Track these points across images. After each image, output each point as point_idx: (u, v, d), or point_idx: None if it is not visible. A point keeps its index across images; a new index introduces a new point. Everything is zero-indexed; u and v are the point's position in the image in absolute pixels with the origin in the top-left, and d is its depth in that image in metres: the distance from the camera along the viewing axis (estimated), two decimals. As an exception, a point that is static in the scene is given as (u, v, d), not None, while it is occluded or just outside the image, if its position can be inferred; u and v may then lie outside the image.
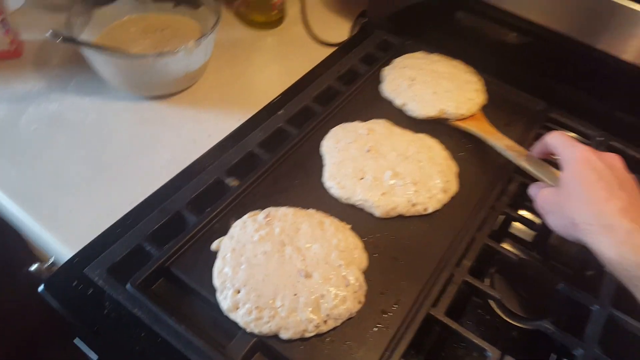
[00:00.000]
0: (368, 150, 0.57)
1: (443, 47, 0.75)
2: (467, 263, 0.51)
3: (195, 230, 0.50)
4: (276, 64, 0.81)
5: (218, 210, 0.52)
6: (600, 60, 0.63)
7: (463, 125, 0.63)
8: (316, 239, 0.49)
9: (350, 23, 0.90)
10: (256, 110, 0.69)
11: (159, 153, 0.65)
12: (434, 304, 0.47)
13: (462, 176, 0.58)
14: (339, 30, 0.88)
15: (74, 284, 0.48)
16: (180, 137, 0.68)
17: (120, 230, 0.52)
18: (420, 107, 0.64)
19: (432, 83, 0.66)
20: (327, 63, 0.77)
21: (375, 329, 0.45)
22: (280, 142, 0.61)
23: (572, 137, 0.49)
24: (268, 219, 0.50)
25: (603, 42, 0.62)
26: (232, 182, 0.56)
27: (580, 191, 0.43)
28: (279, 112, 0.64)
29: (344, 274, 0.47)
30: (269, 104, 0.70)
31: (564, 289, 0.50)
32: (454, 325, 0.46)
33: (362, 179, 0.55)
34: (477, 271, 0.52)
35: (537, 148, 0.53)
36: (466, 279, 0.50)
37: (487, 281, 0.53)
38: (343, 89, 0.69)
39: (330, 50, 0.82)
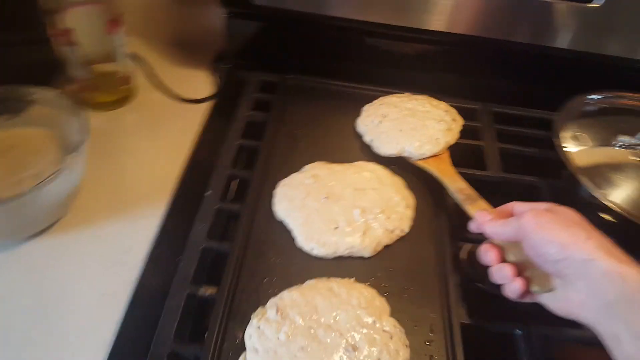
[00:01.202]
0: (326, 197, 0.58)
1: (326, 74, 0.78)
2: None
3: (208, 362, 0.45)
4: (153, 140, 0.74)
5: (216, 330, 0.47)
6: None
7: (422, 164, 0.65)
8: (337, 307, 0.48)
9: (204, 71, 0.87)
10: (164, 201, 0.63)
11: (80, 299, 0.54)
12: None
13: (410, 186, 0.63)
14: (198, 82, 0.85)
15: None
16: (93, 267, 0.57)
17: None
18: (383, 145, 0.66)
19: (400, 121, 0.68)
20: (214, 122, 0.74)
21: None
22: (228, 225, 0.58)
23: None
24: (280, 312, 0.47)
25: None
26: (206, 291, 0.51)
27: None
28: (207, 193, 0.60)
29: (384, 328, 0.47)
30: (180, 188, 0.65)
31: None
32: (483, 322, 0.51)
33: (336, 228, 0.55)
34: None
35: (500, 209, 0.52)
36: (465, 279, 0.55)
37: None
38: (255, 144, 0.67)
39: (202, 105, 0.79)
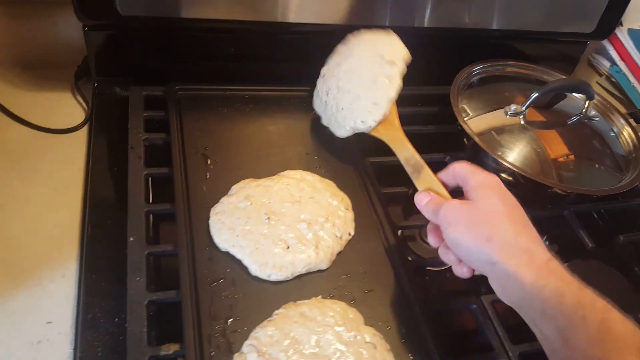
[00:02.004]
0: (268, 218, 0.56)
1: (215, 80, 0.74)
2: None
3: None
4: (31, 185, 0.63)
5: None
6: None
7: (375, 135, 0.65)
8: (315, 332, 0.48)
9: (68, 94, 0.77)
10: (73, 257, 0.57)
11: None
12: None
13: (339, 186, 0.64)
14: (64, 107, 0.74)
15: None
16: (13, 354, 0.49)
17: None
18: (337, 130, 0.66)
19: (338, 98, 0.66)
20: (100, 150, 0.67)
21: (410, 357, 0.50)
22: (166, 273, 0.53)
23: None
24: (261, 355, 0.45)
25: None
26: (168, 349, 0.47)
27: (501, 210, 0.45)
28: (131, 239, 0.54)
29: (366, 340, 0.48)
30: (89, 238, 0.57)
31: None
32: (443, 307, 0.56)
33: (288, 247, 0.54)
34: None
35: (444, 176, 0.54)
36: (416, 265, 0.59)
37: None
38: (164, 171, 0.62)
39: (78, 134, 0.70)
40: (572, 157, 0.75)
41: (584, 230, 0.70)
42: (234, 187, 0.60)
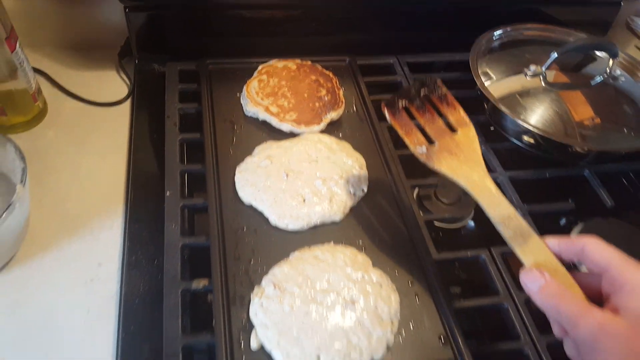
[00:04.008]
0: (287, 175, 0.64)
1: (243, 53, 0.83)
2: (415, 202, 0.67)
3: (222, 348, 0.51)
4: (83, 151, 0.75)
5: (221, 316, 0.53)
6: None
7: (454, 177, 0.53)
8: (327, 271, 0.56)
9: (113, 71, 0.88)
10: (119, 211, 0.67)
11: (67, 323, 0.57)
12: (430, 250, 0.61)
13: (355, 147, 0.72)
14: (110, 83, 0.86)
15: None
16: (67, 290, 0.60)
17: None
18: None
19: None
20: (142, 121, 0.78)
21: (418, 299, 0.57)
22: (197, 221, 0.63)
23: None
24: (277, 287, 0.54)
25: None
26: (198, 284, 0.57)
27: None
28: (168, 194, 0.64)
29: (373, 280, 0.56)
30: (133, 194, 0.68)
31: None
32: (452, 255, 0.62)
33: (304, 201, 0.63)
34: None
35: (562, 247, 0.44)
36: (427, 218, 0.66)
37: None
38: (196, 136, 0.71)
39: (122, 107, 0.81)
40: (597, 119, 0.78)
41: (605, 189, 0.74)
42: (256, 148, 0.69)
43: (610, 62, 0.78)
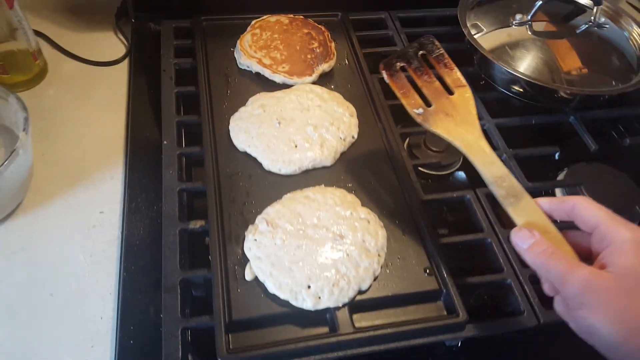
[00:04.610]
0: (279, 123, 0.66)
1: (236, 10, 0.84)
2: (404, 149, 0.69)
3: (218, 279, 0.53)
4: (84, 108, 0.77)
5: (217, 252, 0.56)
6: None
7: (449, 138, 0.54)
8: (317, 209, 0.58)
9: (110, 32, 0.90)
10: (120, 162, 0.70)
11: (72, 266, 0.60)
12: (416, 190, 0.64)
13: (346, 98, 0.73)
14: (107, 43, 0.87)
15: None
16: (71, 236, 0.62)
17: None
18: None
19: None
20: (140, 77, 0.79)
21: (404, 235, 0.60)
22: (194, 167, 0.65)
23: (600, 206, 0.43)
24: (270, 224, 0.57)
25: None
26: (195, 224, 0.59)
27: None
28: (165, 142, 0.66)
29: (361, 217, 0.58)
30: (132, 145, 0.71)
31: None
32: (439, 195, 0.64)
33: (296, 146, 0.65)
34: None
35: (553, 208, 0.45)
36: (415, 163, 0.68)
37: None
38: (191, 89, 0.73)
39: (121, 65, 0.83)
40: (584, 69, 0.79)
41: (589, 134, 0.75)
42: (250, 99, 0.70)
43: (595, 9, 0.79)
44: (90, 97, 0.79)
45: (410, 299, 0.55)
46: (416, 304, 0.55)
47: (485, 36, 0.82)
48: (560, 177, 0.73)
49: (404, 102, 0.56)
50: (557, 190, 0.70)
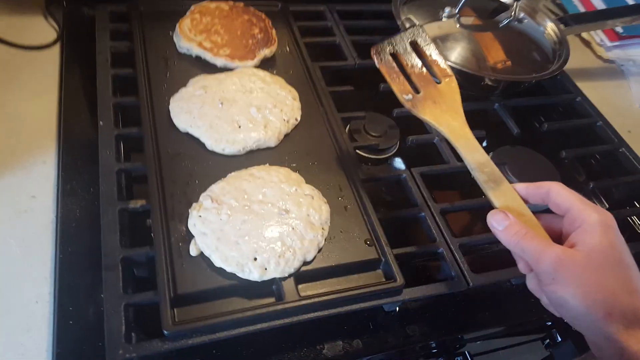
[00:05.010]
0: (222, 104, 0.66)
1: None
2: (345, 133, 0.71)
3: (162, 255, 0.52)
4: (13, 93, 0.72)
5: (160, 229, 0.55)
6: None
7: (435, 125, 0.55)
8: (262, 186, 0.59)
9: (40, 17, 0.86)
10: (52, 145, 0.67)
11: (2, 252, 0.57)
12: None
13: (288, 82, 0.74)
14: (38, 28, 0.83)
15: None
16: (2, 222, 0.59)
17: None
18: None
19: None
20: (73, 61, 0.77)
21: (346, 211, 0.61)
22: (133, 148, 0.64)
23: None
24: (215, 200, 0.57)
25: None
26: (136, 204, 0.58)
27: (622, 270, 0.40)
28: (100, 123, 0.64)
29: (305, 193, 0.59)
30: (65, 129, 0.68)
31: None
32: (378, 173, 0.67)
33: (240, 127, 0.65)
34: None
35: (529, 193, 0.47)
36: (356, 145, 0.70)
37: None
38: (128, 71, 0.71)
39: (53, 49, 0.80)
40: (508, 62, 0.85)
41: (512, 120, 0.81)
42: (190, 80, 0.70)
43: (515, 5, 0.86)
44: (19, 81, 0.75)
45: (352, 268, 0.56)
46: (358, 272, 0.57)
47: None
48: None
49: (393, 87, 0.57)
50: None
